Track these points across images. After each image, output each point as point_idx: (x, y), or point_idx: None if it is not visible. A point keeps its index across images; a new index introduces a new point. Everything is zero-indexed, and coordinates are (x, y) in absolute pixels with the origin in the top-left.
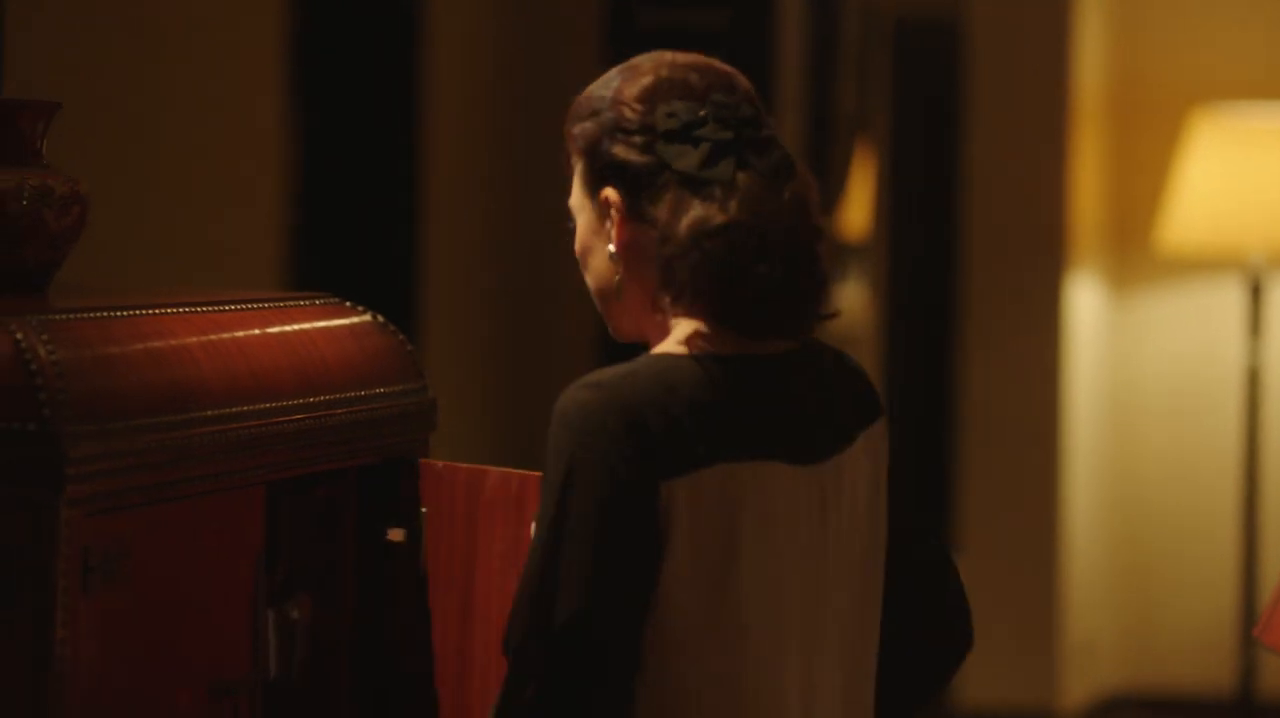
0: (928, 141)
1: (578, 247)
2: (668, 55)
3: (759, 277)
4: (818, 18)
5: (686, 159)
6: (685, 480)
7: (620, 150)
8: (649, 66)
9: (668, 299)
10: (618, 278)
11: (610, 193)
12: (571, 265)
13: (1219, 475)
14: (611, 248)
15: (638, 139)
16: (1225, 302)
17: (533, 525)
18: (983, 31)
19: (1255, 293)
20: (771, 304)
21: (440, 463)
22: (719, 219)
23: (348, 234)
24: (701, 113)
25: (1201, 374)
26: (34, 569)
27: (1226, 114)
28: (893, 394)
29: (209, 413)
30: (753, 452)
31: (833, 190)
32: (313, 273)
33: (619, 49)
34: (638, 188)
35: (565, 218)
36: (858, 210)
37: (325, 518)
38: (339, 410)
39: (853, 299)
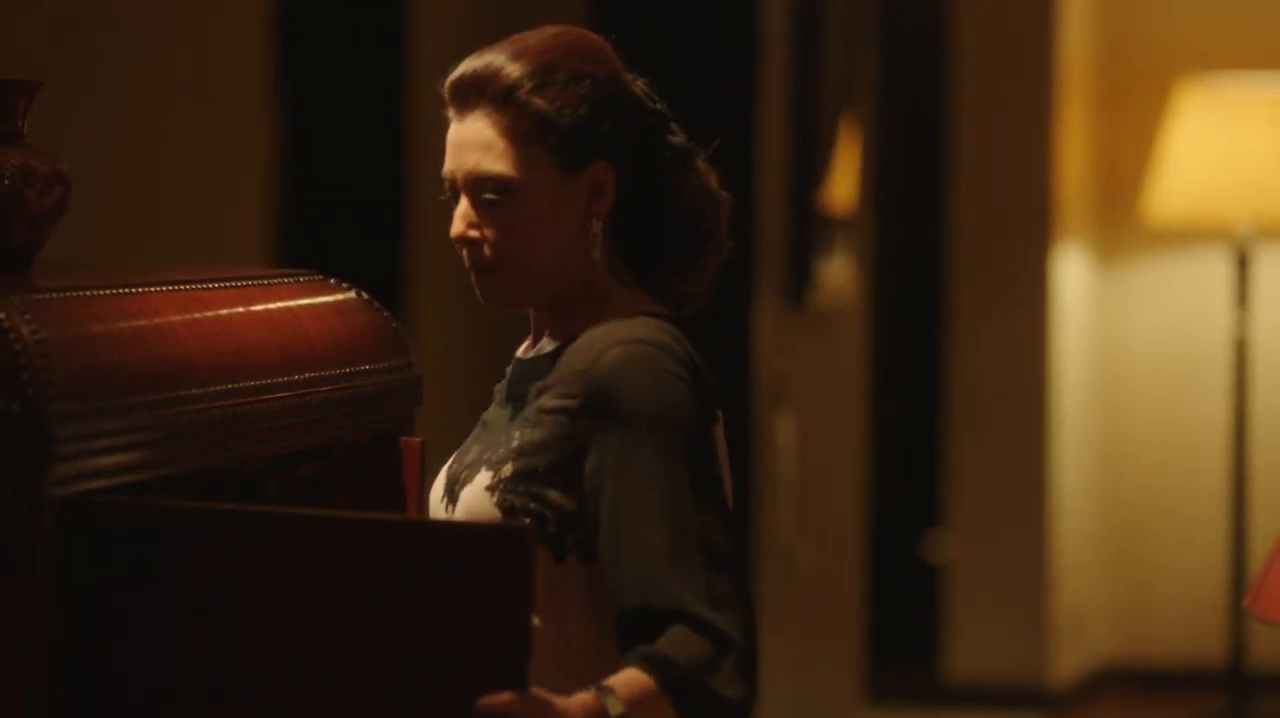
0: (914, 114)
1: (525, 222)
2: (557, 28)
3: (724, 250)
4: None
5: (678, 136)
6: (718, 426)
7: (617, 125)
8: (588, 37)
9: (635, 267)
10: (596, 253)
11: (604, 166)
12: None
13: (1207, 448)
14: (597, 223)
15: (633, 114)
16: (1212, 273)
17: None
18: (968, 3)
19: (1242, 264)
20: (711, 277)
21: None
22: (721, 193)
23: (334, 212)
24: (653, 89)
25: (1189, 346)
26: (20, 550)
27: (1213, 84)
28: (879, 369)
29: (194, 391)
30: (716, 411)
31: (818, 164)
32: (299, 251)
33: (603, 23)
34: (633, 162)
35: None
36: (843, 184)
37: (311, 495)
38: (324, 388)
39: (839, 274)
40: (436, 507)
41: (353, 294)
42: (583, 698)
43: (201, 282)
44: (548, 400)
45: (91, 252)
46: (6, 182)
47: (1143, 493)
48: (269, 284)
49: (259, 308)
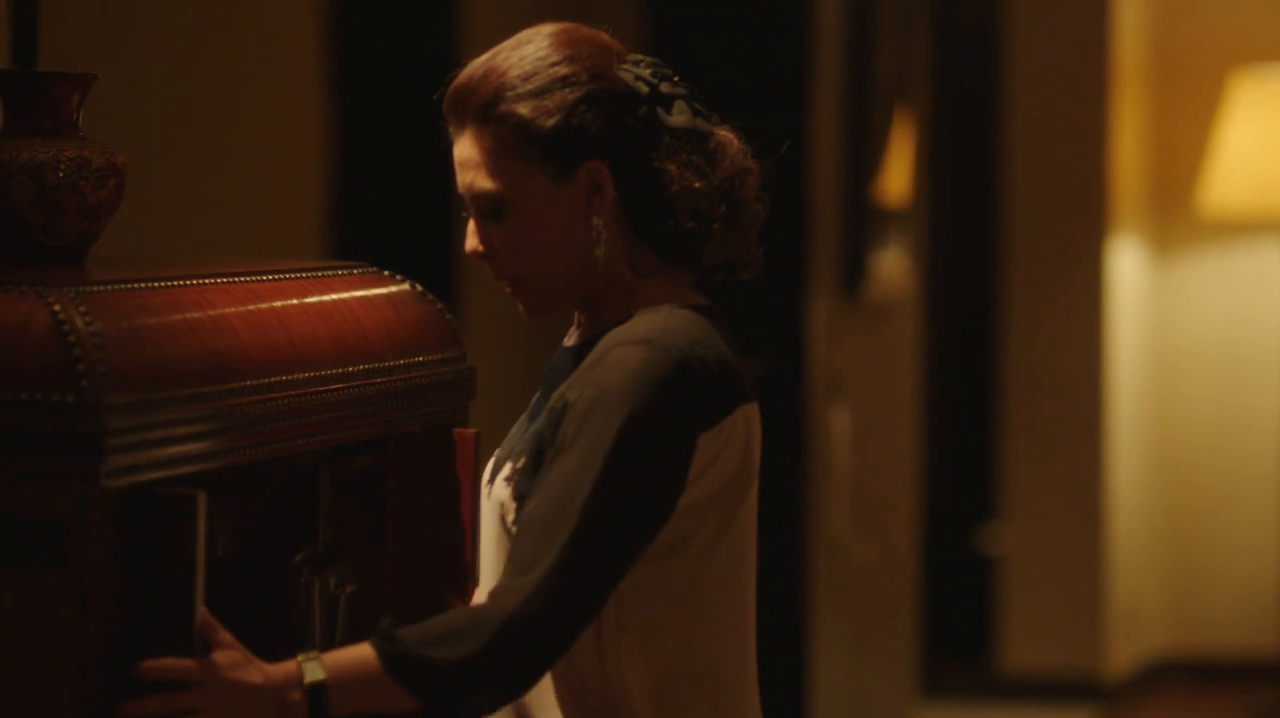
0: (968, 106)
1: (526, 234)
2: (558, 24)
3: (757, 216)
4: None
5: (680, 115)
6: (714, 431)
7: (603, 121)
8: (569, 34)
9: (657, 259)
10: (599, 251)
11: (598, 165)
12: None
13: (1263, 439)
14: (598, 221)
15: (620, 106)
16: (1267, 263)
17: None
18: None
19: None
20: (754, 245)
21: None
22: (743, 163)
23: (388, 204)
24: (659, 70)
25: (1244, 337)
26: (74, 543)
27: (1268, 76)
28: (935, 362)
29: (248, 383)
30: (751, 393)
31: (872, 157)
32: (353, 243)
33: (657, 19)
34: (629, 154)
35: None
36: (897, 176)
37: (365, 488)
38: (378, 380)
39: (893, 266)
40: (483, 491)
41: (406, 286)
42: (286, 664)
43: (255, 274)
44: (558, 395)
45: (146, 245)
46: (61, 174)
47: (1198, 485)
48: (323, 276)
49: (313, 300)
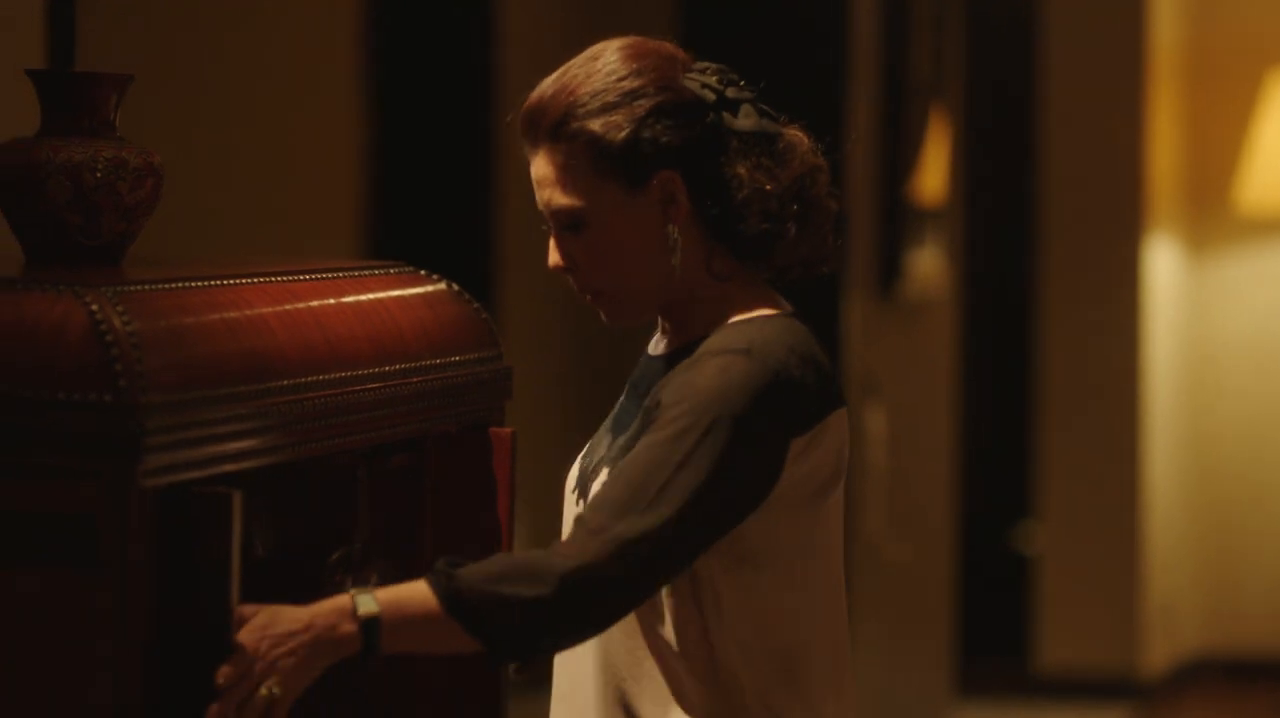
0: (1004, 104)
1: (605, 246)
2: (624, 38)
3: (830, 212)
4: None
5: (748, 118)
6: (807, 436)
7: (673, 130)
8: (635, 48)
9: (734, 261)
10: (676, 258)
11: (671, 175)
12: None
13: None
14: (674, 229)
15: (688, 115)
16: None
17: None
18: None
19: None
20: (829, 240)
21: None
22: (813, 161)
23: (426, 204)
24: (725, 76)
25: None
26: (111, 542)
27: None
28: (971, 361)
29: (285, 383)
30: (840, 397)
31: (908, 155)
32: (391, 243)
33: (691, 20)
34: (699, 161)
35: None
36: (933, 176)
37: (402, 487)
38: (414, 379)
39: (928, 265)
40: (568, 498)
41: (443, 285)
42: (337, 597)
43: (292, 273)
44: (651, 395)
45: (184, 245)
46: (99, 174)
47: (1233, 484)
48: (359, 276)
49: (349, 300)
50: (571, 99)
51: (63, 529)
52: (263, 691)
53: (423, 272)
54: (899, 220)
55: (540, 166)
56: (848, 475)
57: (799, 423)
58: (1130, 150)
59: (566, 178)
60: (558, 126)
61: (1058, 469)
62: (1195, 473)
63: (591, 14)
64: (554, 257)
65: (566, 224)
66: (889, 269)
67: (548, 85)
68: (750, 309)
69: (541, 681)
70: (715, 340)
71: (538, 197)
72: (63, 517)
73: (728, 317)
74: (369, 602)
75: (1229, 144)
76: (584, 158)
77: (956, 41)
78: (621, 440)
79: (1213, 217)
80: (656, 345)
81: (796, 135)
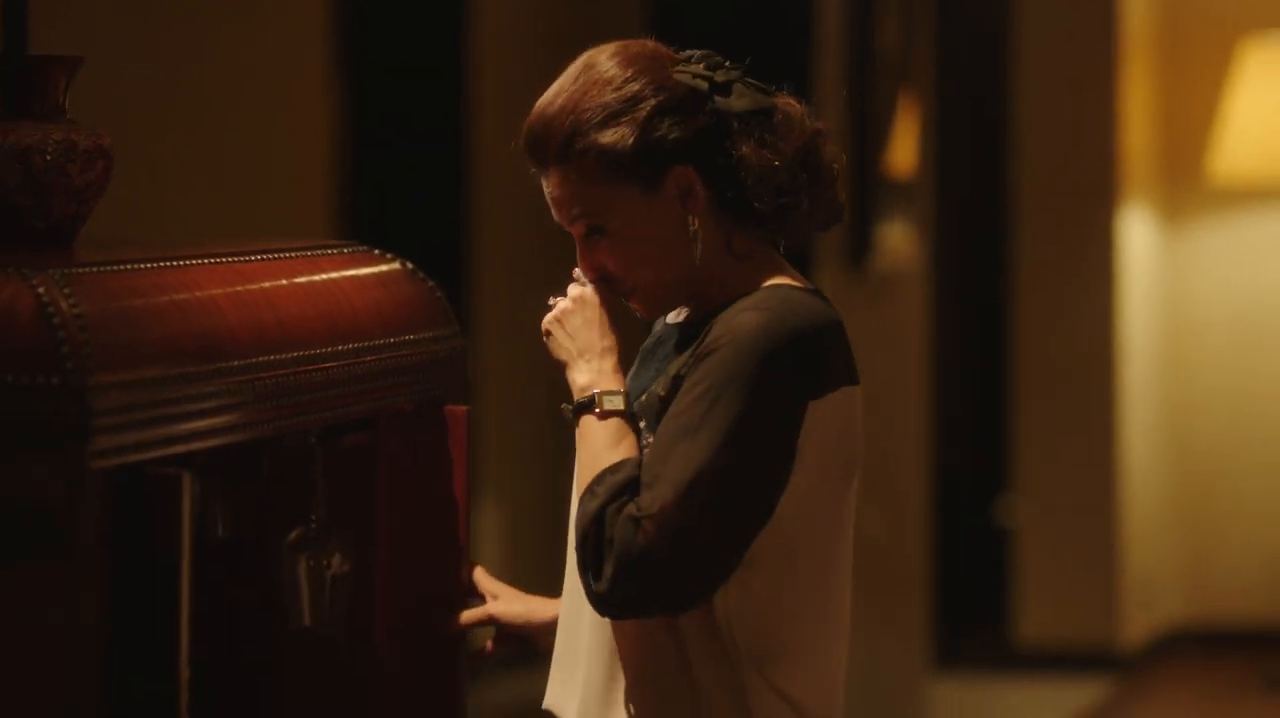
0: (975, 78)
1: (633, 250)
2: (611, 45)
3: (835, 174)
4: None
5: (742, 98)
6: (822, 401)
7: (678, 127)
8: (624, 53)
9: (752, 237)
10: (699, 248)
11: (684, 170)
12: None
13: (1276, 407)
14: (694, 220)
15: (688, 108)
16: (1278, 231)
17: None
18: None
19: None
20: (838, 198)
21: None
22: (811, 126)
23: (399, 189)
24: (710, 60)
25: (1256, 305)
26: (62, 525)
27: (1276, 44)
28: (947, 334)
29: (235, 363)
30: (855, 375)
31: (878, 128)
32: (364, 230)
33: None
34: (706, 150)
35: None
36: (903, 149)
37: (359, 466)
38: (368, 358)
39: (899, 238)
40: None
41: (397, 265)
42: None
43: (243, 254)
44: (681, 362)
45: (143, 228)
46: (48, 157)
47: (1211, 454)
48: (312, 256)
49: (302, 280)
50: (574, 116)
51: (13, 512)
52: None
53: (377, 251)
54: (869, 193)
55: (554, 186)
56: None
57: (815, 384)
58: (1103, 121)
59: (583, 193)
60: (566, 146)
61: (1035, 442)
62: (1172, 445)
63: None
64: (584, 268)
65: (591, 236)
66: (859, 243)
67: (547, 105)
68: (776, 279)
69: (534, 657)
70: (741, 303)
71: (555, 213)
72: (13, 500)
73: (752, 286)
74: (616, 400)
75: (1201, 114)
76: (597, 170)
77: (927, 13)
78: (652, 399)
79: (1186, 187)
80: (676, 314)
81: (789, 103)
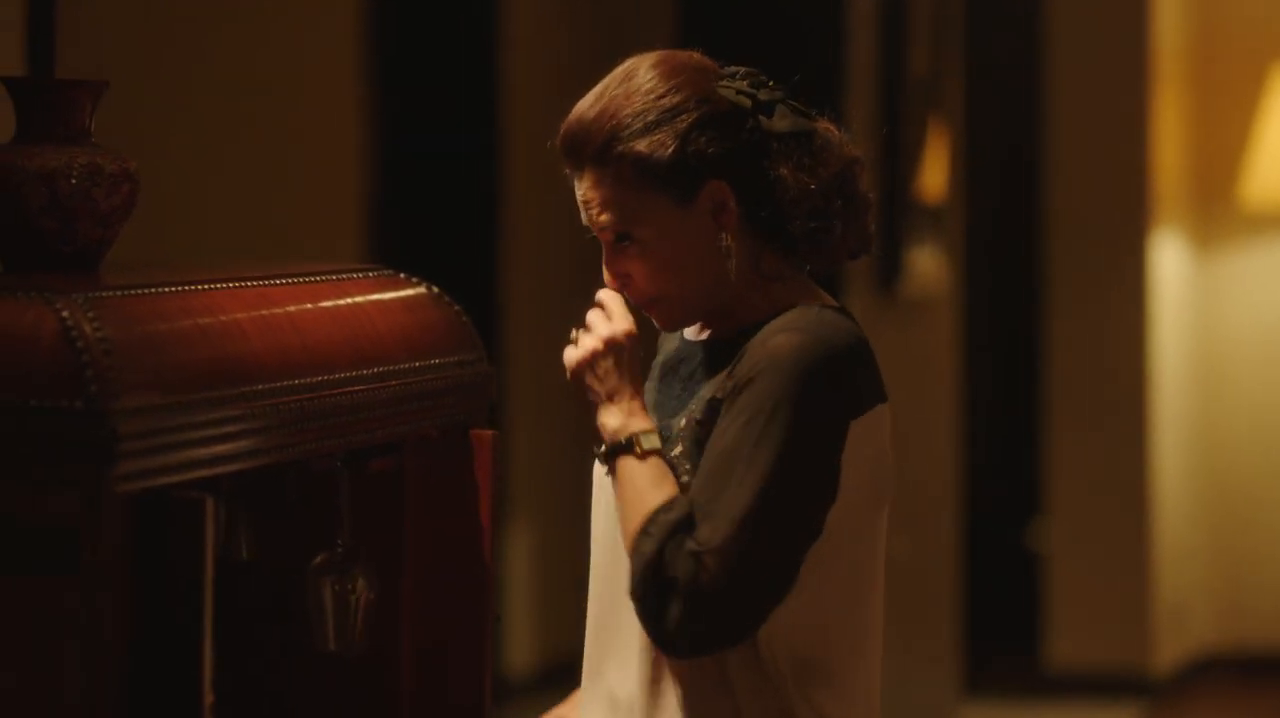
0: (1006, 102)
1: (660, 260)
2: (655, 53)
3: (869, 203)
4: None
5: (783, 119)
6: (862, 419)
7: (716, 141)
8: (668, 63)
9: (782, 259)
10: (731, 265)
11: (719, 185)
12: None
13: None
14: (726, 237)
15: (729, 124)
16: None
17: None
18: None
19: None
20: (869, 228)
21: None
22: (849, 153)
23: (428, 209)
24: (755, 79)
25: None
26: (86, 548)
27: None
28: (979, 358)
29: (259, 387)
30: (885, 393)
31: (909, 152)
32: (393, 249)
33: (689, 18)
34: (743, 167)
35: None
36: (934, 172)
37: (384, 490)
38: (392, 383)
39: (930, 262)
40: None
41: (423, 289)
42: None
43: (268, 278)
44: (715, 384)
45: (168, 251)
46: (74, 181)
47: (1243, 479)
48: (337, 280)
49: (327, 304)
50: (614, 122)
51: (37, 535)
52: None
53: (402, 275)
54: (900, 217)
55: (587, 189)
56: None
57: (855, 403)
58: (1135, 145)
59: (616, 198)
60: (603, 150)
61: (1067, 467)
62: (1205, 469)
63: (593, 14)
64: (609, 274)
65: (620, 240)
66: (890, 266)
67: (586, 108)
68: (804, 301)
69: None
70: (773, 325)
71: (585, 216)
72: (37, 523)
73: (782, 307)
74: (652, 439)
75: (1234, 138)
76: (632, 177)
77: (958, 36)
78: (687, 426)
79: (1219, 211)
80: (697, 332)
81: (829, 129)
